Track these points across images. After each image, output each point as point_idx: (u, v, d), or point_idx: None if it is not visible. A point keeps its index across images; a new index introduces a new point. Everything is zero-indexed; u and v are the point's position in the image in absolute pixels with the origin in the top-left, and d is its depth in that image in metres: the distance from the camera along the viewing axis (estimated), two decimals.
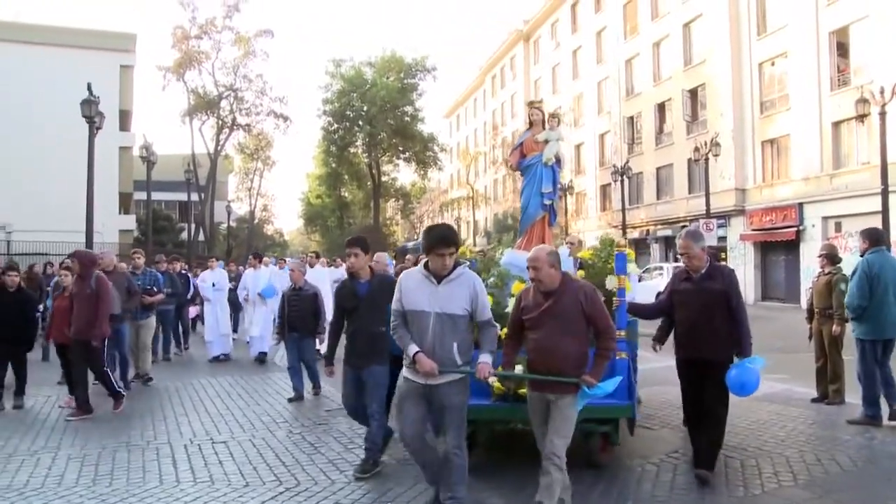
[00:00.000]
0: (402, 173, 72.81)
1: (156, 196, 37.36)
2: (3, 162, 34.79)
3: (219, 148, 54.64)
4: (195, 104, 52.01)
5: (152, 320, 12.50)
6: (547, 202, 8.00)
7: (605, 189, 49.87)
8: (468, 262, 7.00)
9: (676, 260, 38.35)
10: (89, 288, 9.33)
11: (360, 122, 61.39)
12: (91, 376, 9.66)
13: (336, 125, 62.38)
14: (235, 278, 16.99)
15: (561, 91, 56.42)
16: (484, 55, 69.88)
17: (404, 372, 5.25)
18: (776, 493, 5.84)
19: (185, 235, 48.89)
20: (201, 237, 51.96)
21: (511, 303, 6.45)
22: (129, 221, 42.44)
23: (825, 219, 31.25)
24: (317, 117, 63.12)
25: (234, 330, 17.31)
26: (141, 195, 38.98)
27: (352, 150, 64.26)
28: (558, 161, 8.04)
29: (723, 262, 7.73)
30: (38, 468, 6.95)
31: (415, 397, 5.16)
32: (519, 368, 5.50)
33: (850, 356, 8.75)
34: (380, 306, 6.21)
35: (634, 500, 5.72)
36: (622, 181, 38.33)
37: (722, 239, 36.09)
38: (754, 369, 5.90)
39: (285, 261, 16.37)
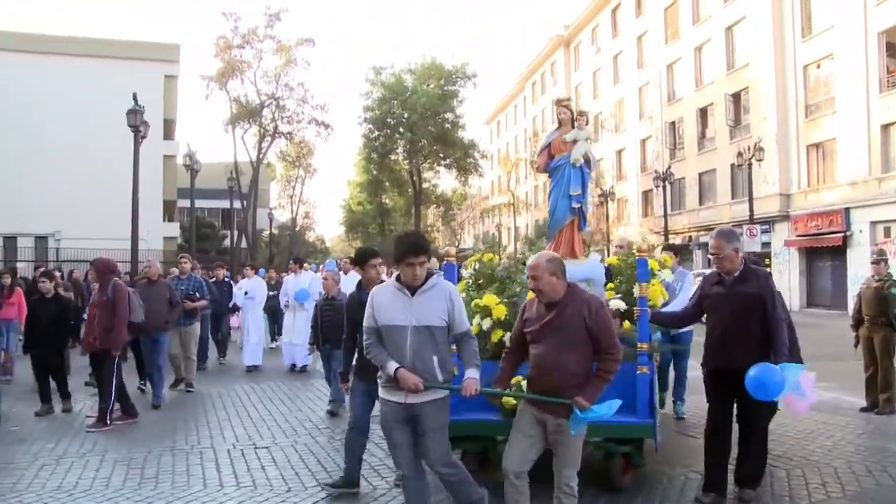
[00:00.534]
0: (443, 180, 72.98)
1: (199, 204, 38.10)
2: (54, 171, 35.58)
3: (261, 156, 55.19)
4: (237, 113, 52.62)
5: (196, 327, 12.33)
6: (575, 205, 7.48)
7: (646, 195, 49.45)
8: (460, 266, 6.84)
9: None
10: (106, 295, 9.25)
11: (401, 129, 61.61)
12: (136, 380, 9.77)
13: (377, 132, 62.68)
14: (276, 285, 16.62)
15: (602, 96, 56.11)
16: (524, 61, 69.72)
17: (381, 393, 4.88)
18: None
19: (227, 242, 49.53)
20: (244, 244, 52.56)
21: None
22: (174, 229, 43.09)
23: (873, 224, 30.63)
24: (357, 125, 63.55)
25: (275, 337, 17.35)
26: (185, 203, 39.59)
27: (393, 157, 64.51)
28: (588, 162, 7.56)
29: (758, 266, 7.25)
30: (87, 471, 7.09)
31: (399, 422, 4.78)
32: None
33: None
34: None
35: None
36: (664, 187, 37.97)
37: (766, 245, 35.53)
38: (777, 370, 5.28)
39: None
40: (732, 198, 39.25)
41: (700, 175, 43.21)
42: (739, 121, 39.18)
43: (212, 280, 14.96)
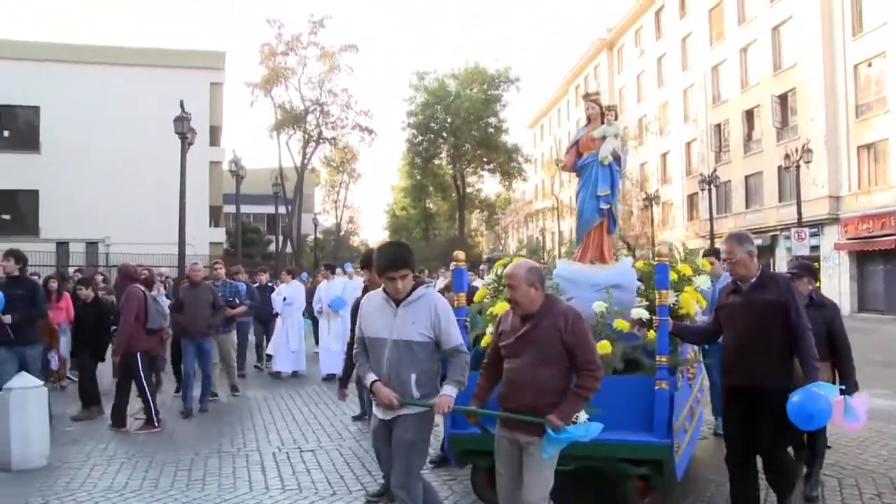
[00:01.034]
0: (487, 184, 73.10)
1: (245, 209, 38.53)
2: (103, 178, 36.25)
3: (305, 161, 55.69)
4: (282, 119, 53.16)
5: (233, 335, 12.23)
6: (604, 206, 7.00)
7: (691, 198, 48.88)
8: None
9: (767, 269, 37.30)
10: (123, 301, 9.44)
11: (445, 134, 61.85)
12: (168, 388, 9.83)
13: (420, 137, 63.01)
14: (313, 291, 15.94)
15: (646, 99, 55.63)
16: (567, 65, 69.47)
17: (373, 408, 4.78)
18: None
19: (273, 247, 50.02)
20: (289, 249, 53.07)
21: None
22: (219, 234, 43.62)
23: None
24: (401, 129, 63.96)
25: (317, 343, 17.24)
26: (230, 208, 40.04)
27: (436, 161, 64.78)
28: (617, 160, 7.07)
29: (809, 267, 6.61)
30: (136, 472, 7.22)
31: (385, 437, 4.66)
32: None
33: None
34: None
35: None
36: (710, 190, 37.50)
37: (815, 248, 34.82)
38: (823, 395, 4.74)
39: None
40: (780, 201, 38.61)
41: (746, 178, 42.59)
42: (786, 122, 38.54)
43: (254, 285, 14.82)
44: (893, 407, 9.76)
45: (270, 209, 46.87)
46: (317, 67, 53.57)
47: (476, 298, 6.97)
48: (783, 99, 38.62)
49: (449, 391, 4.44)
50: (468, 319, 6.30)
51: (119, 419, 9.24)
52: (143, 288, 9.64)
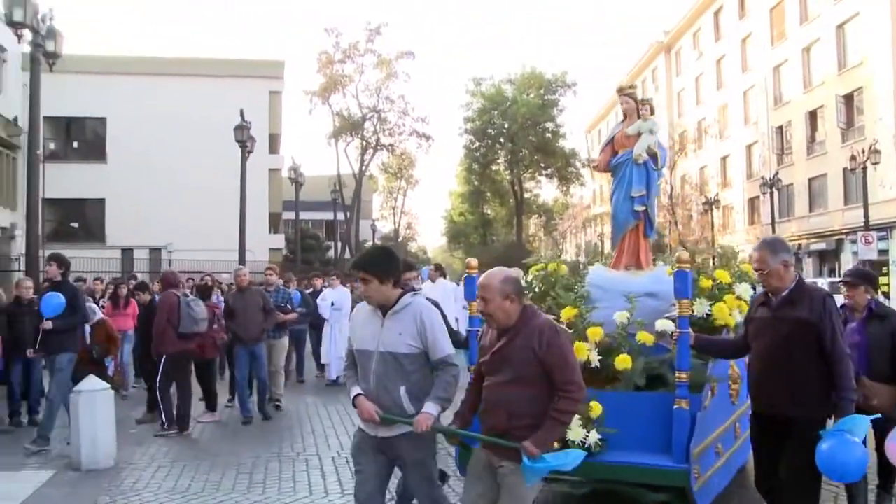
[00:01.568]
0: (545, 189, 72.68)
1: (303, 216, 38.91)
2: (166, 186, 37.05)
3: (363, 168, 56.11)
4: (340, 126, 53.67)
5: (285, 341, 11.89)
6: (639, 208, 6.54)
7: (753, 202, 47.97)
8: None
9: (832, 274, 36.47)
10: (157, 305, 9.62)
11: (502, 140, 61.78)
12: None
13: (477, 143, 63.05)
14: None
15: (705, 102, 54.78)
16: (625, 68, 68.79)
17: (359, 421, 4.54)
18: None
19: (332, 254, 50.51)
20: (347, 255, 53.54)
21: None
22: (279, 240, 44.19)
23: None
24: (458, 135, 64.07)
25: None
26: (289, 215, 40.59)
27: (494, 167, 64.75)
28: (654, 157, 6.60)
29: (868, 272, 6.10)
30: (199, 473, 7.40)
31: (366, 451, 4.44)
32: None
33: None
34: None
35: None
36: (771, 193, 36.79)
37: (883, 252, 33.82)
38: (857, 443, 4.15)
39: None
40: (845, 203, 37.64)
41: (810, 180, 41.63)
42: (852, 123, 37.57)
43: (308, 291, 14.61)
44: None
45: (329, 216, 47.36)
46: (374, 75, 54.05)
47: None
48: (848, 99, 37.68)
49: (429, 409, 4.14)
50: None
51: (182, 422, 9.41)
52: (177, 293, 9.72)
